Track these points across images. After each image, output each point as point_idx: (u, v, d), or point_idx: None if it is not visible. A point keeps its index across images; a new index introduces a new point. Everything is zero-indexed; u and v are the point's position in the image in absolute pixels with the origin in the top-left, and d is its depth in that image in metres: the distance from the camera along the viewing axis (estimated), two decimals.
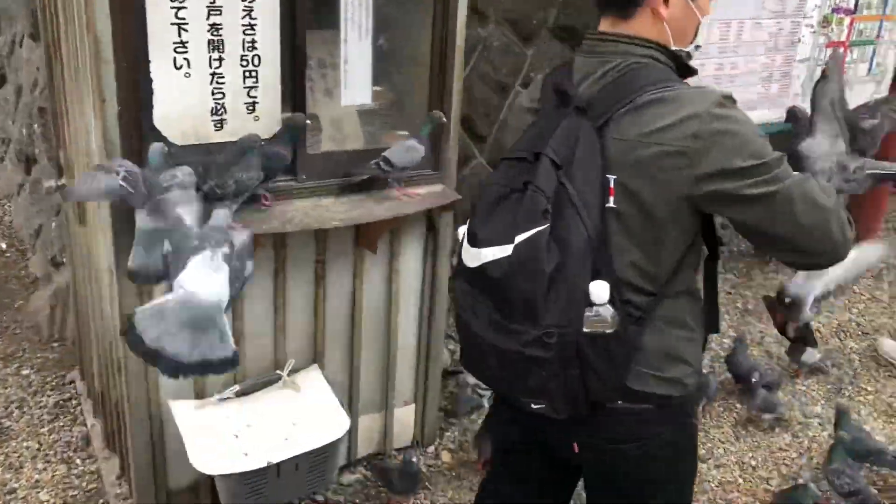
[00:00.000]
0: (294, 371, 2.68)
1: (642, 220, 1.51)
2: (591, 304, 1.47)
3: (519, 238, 1.47)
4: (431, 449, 3.13)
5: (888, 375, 3.79)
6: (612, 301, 1.49)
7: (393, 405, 3.00)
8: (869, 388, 3.69)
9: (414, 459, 2.61)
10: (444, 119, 2.66)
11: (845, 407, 3.16)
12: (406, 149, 2.60)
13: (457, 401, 3.37)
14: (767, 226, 1.50)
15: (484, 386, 3.38)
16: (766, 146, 1.48)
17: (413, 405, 3.07)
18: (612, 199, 1.50)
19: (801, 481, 2.91)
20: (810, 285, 2.90)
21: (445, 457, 3.10)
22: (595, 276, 1.48)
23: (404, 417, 3.07)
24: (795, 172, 1.51)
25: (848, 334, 4.14)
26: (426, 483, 2.98)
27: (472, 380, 3.37)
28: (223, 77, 2.34)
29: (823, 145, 1.61)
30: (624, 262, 1.53)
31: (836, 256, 1.53)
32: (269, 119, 2.46)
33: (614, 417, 1.62)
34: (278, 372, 2.65)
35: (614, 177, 1.50)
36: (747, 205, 1.47)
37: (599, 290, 1.47)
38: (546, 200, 1.47)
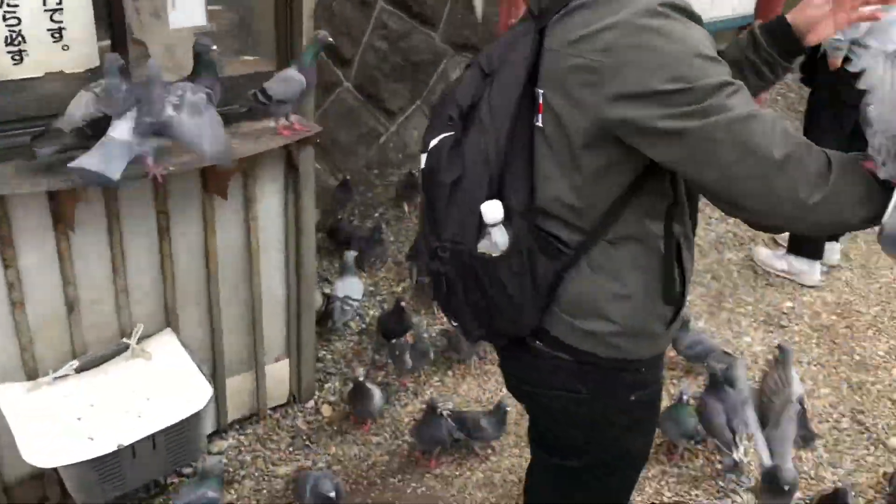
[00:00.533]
0: (144, 338, 2.38)
1: (563, 144, 1.32)
2: (485, 225, 1.35)
3: (431, 145, 1.42)
4: (311, 404, 2.91)
5: (766, 284, 3.84)
6: (523, 229, 1.35)
7: (263, 362, 2.74)
8: (748, 299, 3.72)
9: (332, 495, 2.35)
10: (330, 40, 2.38)
11: (687, 315, 3.15)
12: (283, 79, 2.33)
13: (331, 314, 3.19)
14: (691, 171, 1.24)
15: (354, 297, 3.22)
16: (703, 69, 1.19)
17: (286, 360, 2.82)
18: (540, 116, 1.32)
19: (684, 397, 2.87)
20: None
21: (326, 411, 2.89)
22: (496, 196, 1.34)
23: (277, 374, 2.82)
24: (752, 109, 1.20)
25: (725, 245, 4.16)
26: (307, 441, 2.77)
27: (341, 293, 3.20)
28: None
29: None
30: (549, 189, 1.35)
31: (785, 221, 1.24)
32: (81, 48, 2.08)
33: (531, 357, 1.49)
34: (125, 340, 2.34)
35: (542, 91, 1.31)
36: (662, 140, 1.22)
37: (489, 211, 1.34)
38: (457, 109, 1.40)
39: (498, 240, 1.35)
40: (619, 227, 1.37)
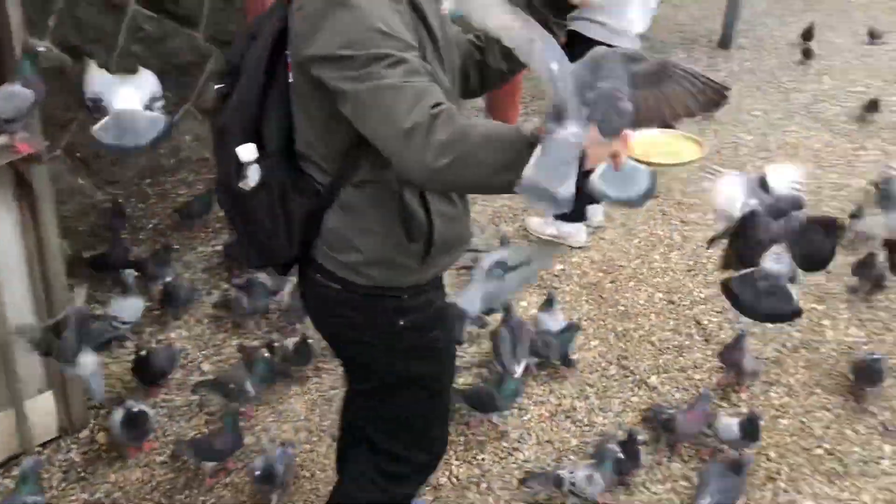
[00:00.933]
0: None
1: (300, 95, 1.55)
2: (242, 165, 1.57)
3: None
4: (85, 433, 2.75)
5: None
6: (272, 170, 1.58)
7: (21, 397, 2.55)
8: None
9: None
10: (40, 48, 2.29)
11: None
12: (7, 96, 2.17)
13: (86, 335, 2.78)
14: (359, 129, 1.46)
15: (125, 318, 3.08)
16: (372, 41, 1.39)
17: (50, 392, 2.65)
18: (290, 73, 1.55)
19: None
20: None
21: (102, 438, 2.74)
22: (253, 141, 1.57)
23: (41, 407, 2.64)
24: (402, 81, 1.38)
25: (501, 218, 4.37)
26: (82, 473, 2.62)
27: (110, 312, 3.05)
28: None
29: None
30: (303, 136, 1.59)
31: (420, 181, 1.46)
32: None
33: (313, 288, 1.72)
34: None
35: (288, 52, 1.54)
36: (340, 98, 1.44)
37: (243, 152, 1.57)
38: (227, 66, 1.65)
39: (252, 177, 1.58)
40: (361, 171, 1.57)
